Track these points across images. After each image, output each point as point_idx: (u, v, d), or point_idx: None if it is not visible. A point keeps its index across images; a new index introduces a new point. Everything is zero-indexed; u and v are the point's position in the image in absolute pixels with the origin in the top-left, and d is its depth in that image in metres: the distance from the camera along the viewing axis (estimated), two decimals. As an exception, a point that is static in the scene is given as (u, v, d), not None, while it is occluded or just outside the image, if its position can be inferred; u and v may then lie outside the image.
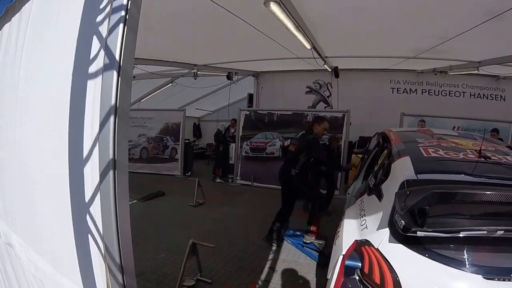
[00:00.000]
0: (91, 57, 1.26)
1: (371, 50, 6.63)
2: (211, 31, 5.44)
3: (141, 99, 10.34)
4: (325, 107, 9.81)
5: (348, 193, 3.87)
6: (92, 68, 1.25)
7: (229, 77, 9.57)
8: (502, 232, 1.47)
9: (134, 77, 8.60)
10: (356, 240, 1.86)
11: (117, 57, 1.12)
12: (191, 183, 6.41)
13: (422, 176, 1.94)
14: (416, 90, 9.20)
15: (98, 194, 1.18)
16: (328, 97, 9.84)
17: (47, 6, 1.69)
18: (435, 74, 8.74)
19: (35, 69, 1.70)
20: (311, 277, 3.49)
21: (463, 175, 1.90)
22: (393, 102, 8.93)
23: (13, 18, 1.98)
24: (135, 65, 7.08)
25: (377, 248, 1.70)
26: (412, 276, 1.57)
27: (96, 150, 1.18)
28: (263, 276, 3.49)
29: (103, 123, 1.13)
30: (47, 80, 1.60)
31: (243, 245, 4.27)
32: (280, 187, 4.56)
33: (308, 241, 4.18)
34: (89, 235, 1.26)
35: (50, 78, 1.57)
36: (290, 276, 3.53)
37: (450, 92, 8.95)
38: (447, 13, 4.04)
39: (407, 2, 3.93)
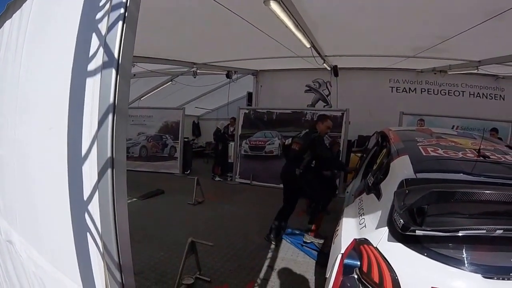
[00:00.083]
0: (90, 54, 1.25)
1: (370, 49, 6.63)
2: (211, 29, 5.43)
3: (141, 97, 10.33)
4: (324, 106, 9.81)
5: (347, 192, 3.88)
6: (91, 66, 1.24)
7: (228, 75, 9.58)
8: (502, 231, 1.47)
9: (134, 75, 8.61)
10: (355, 239, 1.87)
11: (116, 55, 1.12)
12: (190, 182, 6.40)
13: (421, 175, 1.95)
14: (415, 89, 9.20)
15: (97, 193, 1.17)
16: (327, 96, 9.83)
17: (47, 3, 1.68)
18: (435, 73, 8.74)
19: (35, 66, 1.70)
20: (310, 276, 3.49)
21: (462, 174, 1.90)
22: (392, 101, 8.93)
23: (14, 15, 1.99)
24: (135, 63, 7.09)
25: (376, 247, 1.71)
26: (411, 275, 1.57)
27: (94, 148, 1.18)
28: (262, 275, 3.49)
29: (101, 121, 1.13)
30: (47, 77, 1.60)
31: (242, 243, 4.27)
32: (282, 185, 4.53)
33: (308, 241, 4.17)
34: (88, 233, 1.25)
35: (50, 76, 1.56)
36: (289, 274, 3.53)
37: (450, 91, 8.94)
38: (447, 12, 4.04)
39: (407, 1, 3.93)
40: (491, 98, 8.74)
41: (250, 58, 8.02)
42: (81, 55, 1.29)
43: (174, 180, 8.35)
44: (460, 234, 1.53)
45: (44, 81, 1.62)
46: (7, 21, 2.09)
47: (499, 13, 3.74)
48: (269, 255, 3.99)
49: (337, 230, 2.34)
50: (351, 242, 1.86)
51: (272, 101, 10.03)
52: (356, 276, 1.69)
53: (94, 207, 1.21)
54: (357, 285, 1.67)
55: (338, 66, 8.50)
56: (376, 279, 1.59)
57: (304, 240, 4.20)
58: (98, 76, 1.18)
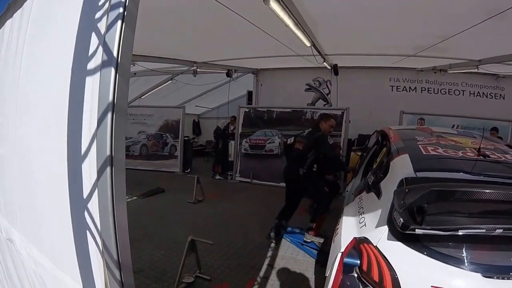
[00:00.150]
0: (89, 53, 1.25)
1: (370, 48, 6.62)
2: (211, 28, 5.42)
3: (142, 96, 10.33)
4: (324, 105, 9.79)
5: (347, 191, 3.88)
6: (91, 65, 1.24)
7: (228, 74, 9.57)
8: (501, 230, 1.47)
9: (134, 74, 8.62)
10: (355, 238, 1.87)
11: (115, 54, 1.12)
12: (191, 180, 6.40)
13: (421, 174, 1.95)
14: (415, 88, 9.20)
15: (96, 191, 1.18)
16: (327, 94, 9.81)
17: (48, 3, 1.68)
18: (435, 72, 8.73)
19: (35, 65, 1.70)
20: (310, 274, 3.49)
21: (462, 173, 1.90)
22: (393, 100, 8.92)
23: (15, 15, 1.98)
24: (135, 62, 7.09)
25: (376, 246, 1.71)
26: (411, 273, 1.57)
27: (94, 147, 1.18)
28: (262, 273, 3.50)
29: (101, 120, 1.13)
30: (47, 76, 1.60)
31: (242, 242, 4.27)
32: (283, 184, 4.50)
33: (308, 240, 4.15)
34: (87, 232, 1.26)
35: (50, 75, 1.56)
36: (289, 273, 3.54)
37: (450, 90, 8.94)
38: (448, 12, 4.03)
39: (407, 1, 3.92)
40: (491, 97, 8.74)
41: (251, 57, 8.02)
42: (81, 54, 1.29)
43: (175, 179, 8.36)
44: (460, 233, 1.53)
45: (44, 82, 1.62)
46: (8, 20, 2.09)
47: (500, 12, 3.74)
48: (269, 253, 3.99)
49: (337, 229, 2.35)
50: (351, 241, 1.86)
51: (272, 100, 10.03)
52: (356, 275, 1.70)
53: (93, 205, 1.21)
54: (357, 283, 1.67)
55: (338, 65, 8.47)
56: (376, 277, 1.59)
57: (305, 239, 4.19)
58: (98, 75, 1.18)
